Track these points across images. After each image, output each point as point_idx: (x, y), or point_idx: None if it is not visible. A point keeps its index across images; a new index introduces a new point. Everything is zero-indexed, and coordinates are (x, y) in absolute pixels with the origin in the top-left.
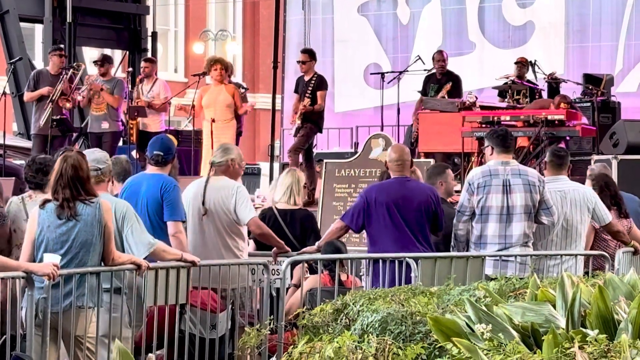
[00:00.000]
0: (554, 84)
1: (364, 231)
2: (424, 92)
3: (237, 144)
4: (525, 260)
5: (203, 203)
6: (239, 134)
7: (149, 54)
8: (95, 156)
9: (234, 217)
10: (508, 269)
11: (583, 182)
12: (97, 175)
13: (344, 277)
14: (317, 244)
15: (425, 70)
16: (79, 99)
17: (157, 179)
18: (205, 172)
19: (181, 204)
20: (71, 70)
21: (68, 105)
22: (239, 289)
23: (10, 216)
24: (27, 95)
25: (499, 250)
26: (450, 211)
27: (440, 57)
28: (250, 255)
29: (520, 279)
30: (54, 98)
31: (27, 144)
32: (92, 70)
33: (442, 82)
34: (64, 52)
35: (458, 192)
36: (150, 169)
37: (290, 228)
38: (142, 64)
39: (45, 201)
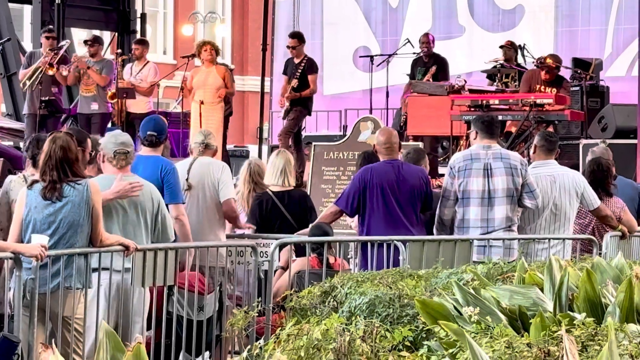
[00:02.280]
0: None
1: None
2: (412, 76)
3: (226, 125)
4: (511, 244)
5: (187, 179)
6: (229, 114)
7: (138, 36)
8: (123, 139)
9: (216, 192)
10: (493, 253)
11: (571, 167)
12: (126, 159)
13: (331, 260)
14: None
15: (414, 53)
16: (64, 73)
17: (154, 161)
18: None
19: (180, 187)
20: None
21: (51, 72)
22: (218, 269)
23: (11, 194)
24: (22, 74)
25: (481, 234)
26: None
27: (425, 40)
28: (236, 237)
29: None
30: (42, 68)
31: (16, 125)
32: (82, 52)
33: (429, 65)
34: (54, 34)
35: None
36: (144, 150)
37: (289, 209)
38: (133, 45)
39: (33, 182)
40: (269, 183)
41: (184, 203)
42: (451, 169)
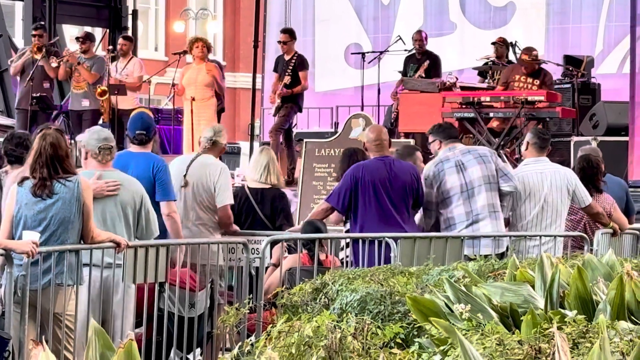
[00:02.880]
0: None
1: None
2: (404, 73)
3: (218, 121)
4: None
5: (185, 175)
6: (221, 110)
7: (130, 32)
8: (106, 134)
9: (213, 194)
10: (482, 245)
11: (562, 164)
12: (110, 154)
13: (323, 257)
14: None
15: (405, 50)
16: (54, 64)
17: (146, 157)
18: (189, 150)
19: (172, 184)
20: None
21: (38, 56)
22: (209, 267)
23: None
24: (13, 69)
25: (468, 226)
26: None
27: (418, 37)
28: (227, 234)
29: (497, 254)
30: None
31: (7, 121)
32: (74, 48)
33: (421, 62)
34: (40, 31)
35: None
36: (134, 147)
37: (261, 207)
38: (120, 41)
39: (24, 179)
40: (250, 178)
41: (175, 200)
42: (425, 179)
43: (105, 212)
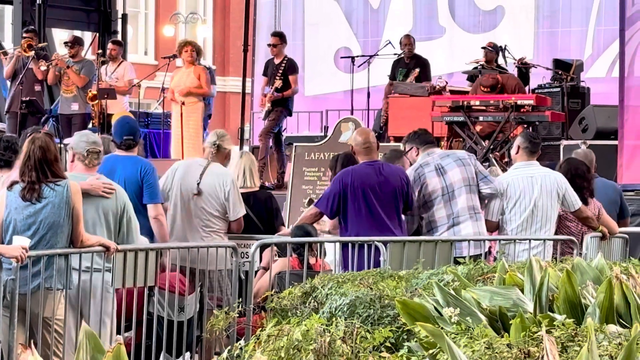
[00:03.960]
0: (523, 69)
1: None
2: (392, 77)
3: (205, 126)
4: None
5: (198, 183)
6: (207, 116)
7: (119, 36)
8: (94, 138)
9: (223, 205)
10: (464, 247)
11: (552, 168)
12: (98, 157)
13: (312, 261)
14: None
15: (395, 54)
16: (43, 68)
17: (133, 161)
18: (178, 154)
19: (159, 187)
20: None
21: (27, 54)
22: (207, 272)
23: None
24: (5, 73)
25: (449, 228)
26: None
27: (407, 41)
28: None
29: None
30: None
31: None
32: (63, 52)
33: (410, 66)
34: (31, 35)
35: None
36: (120, 152)
37: (254, 210)
38: (109, 45)
39: (13, 183)
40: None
41: (163, 203)
42: (407, 185)
43: (86, 216)
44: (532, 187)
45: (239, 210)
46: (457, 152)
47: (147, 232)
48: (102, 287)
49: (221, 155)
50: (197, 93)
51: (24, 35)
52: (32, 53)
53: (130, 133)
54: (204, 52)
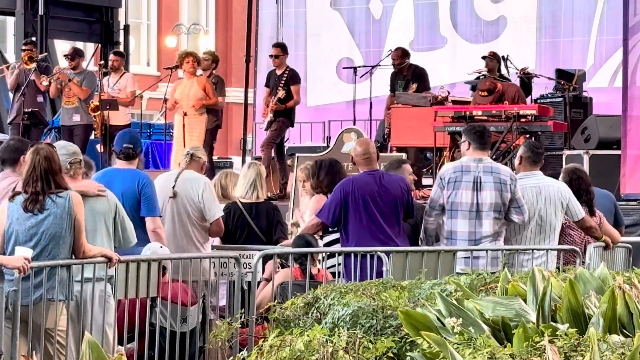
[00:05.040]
0: (526, 79)
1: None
2: (392, 88)
3: (214, 137)
4: (497, 254)
5: (173, 186)
6: (216, 127)
7: (121, 47)
8: (73, 149)
9: (200, 209)
10: (480, 265)
11: (555, 177)
12: (80, 167)
13: (314, 271)
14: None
15: (393, 67)
16: (45, 83)
17: (131, 174)
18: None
19: (157, 200)
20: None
21: (29, 65)
22: (201, 282)
23: None
24: (9, 85)
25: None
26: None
27: (394, 55)
28: (219, 248)
29: (492, 273)
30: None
31: None
32: (65, 64)
33: (408, 77)
34: (31, 46)
35: (425, 186)
36: (120, 164)
37: (256, 221)
38: (111, 57)
39: (15, 194)
40: (239, 195)
41: (161, 216)
42: (441, 179)
43: (86, 224)
44: (536, 198)
45: (215, 211)
46: (503, 171)
47: (145, 244)
48: (105, 298)
49: (196, 164)
50: (206, 104)
51: (23, 47)
52: (33, 65)
53: (130, 142)
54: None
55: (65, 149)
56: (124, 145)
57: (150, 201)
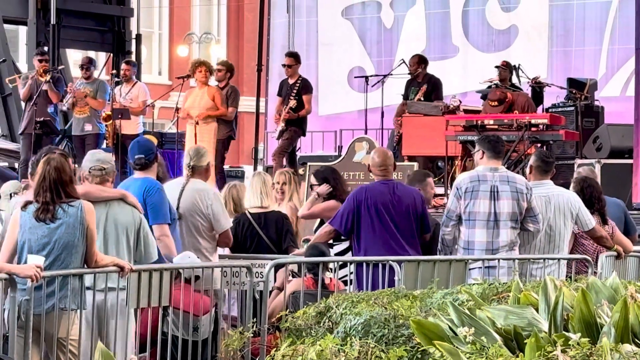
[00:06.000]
0: (537, 88)
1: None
2: (405, 96)
3: (227, 148)
4: (512, 264)
5: (178, 208)
6: (229, 137)
7: (133, 57)
8: (99, 156)
9: (208, 220)
10: (500, 275)
11: (566, 187)
12: (101, 175)
13: (327, 280)
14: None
15: (408, 73)
16: (64, 108)
17: (141, 183)
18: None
19: (166, 207)
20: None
21: (43, 78)
22: (212, 291)
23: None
24: (22, 95)
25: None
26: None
27: (411, 62)
28: (231, 257)
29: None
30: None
31: (11, 145)
32: (76, 72)
33: (422, 85)
34: (46, 57)
35: (437, 195)
36: (137, 174)
37: (265, 231)
38: (123, 66)
39: (27, 203)
40: (248, 205)
41: (169, 224)
42: (457, 189)
43: (107, 236)
44: (546, 207)
45: (224, 223)
46: (519, 181)
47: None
48: (117, 307)
49: (200, 172)
50: (214, 115)
51: (38, 58)
52: (48, 77)
53: (141, 152)
54: (234, 70)
55: (91, 156)
56: (136, 156)
57: (156, 208)
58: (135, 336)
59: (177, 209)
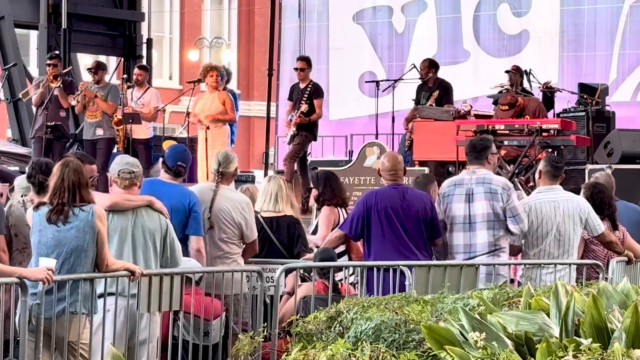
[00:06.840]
0: (548, 93)
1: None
2: (417, 101)
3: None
4: (498, 270)
5: (209, 217)
6: (230, 141)
7: (144, 61)
8: (128, 159)
9: (240, 229)
10: (479, 280)
11: (577, 192)
12: (130, 178)
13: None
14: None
15: (420, 78)
16: (73, 103)
17: (180, 190)
18: (203, 179)
19: (202, 219)
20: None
21: (54, 84)
22: (232, 297)
23: (11, 220)
24: (34, 100)
25: (466, 260)
26: None
27: (422, 66)
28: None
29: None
30: (47, 82)
31: (22, 150)
32: (87, 77)
33: (433, 90)
34: (56, 60)
35: None
36: (166, 178)
37: (277, 235)
38: (135, 70)
39: (40, 204)
40: (259, 209)
41: (203, 236)
42: (439, 195)
43: (136, 242)
44: (555, 212)
45: (254, 232)
46: (495, 181)
47: None
48: (127, 311)
49: (227, 178)
50: (222, 119)
51: (49, 62)
52: (59, 82)
53: (184, 161)
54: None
55: (120, 159)
56: (178, 162)
57: (198, 220)
58: (157, 342)
59: (210, 214)
